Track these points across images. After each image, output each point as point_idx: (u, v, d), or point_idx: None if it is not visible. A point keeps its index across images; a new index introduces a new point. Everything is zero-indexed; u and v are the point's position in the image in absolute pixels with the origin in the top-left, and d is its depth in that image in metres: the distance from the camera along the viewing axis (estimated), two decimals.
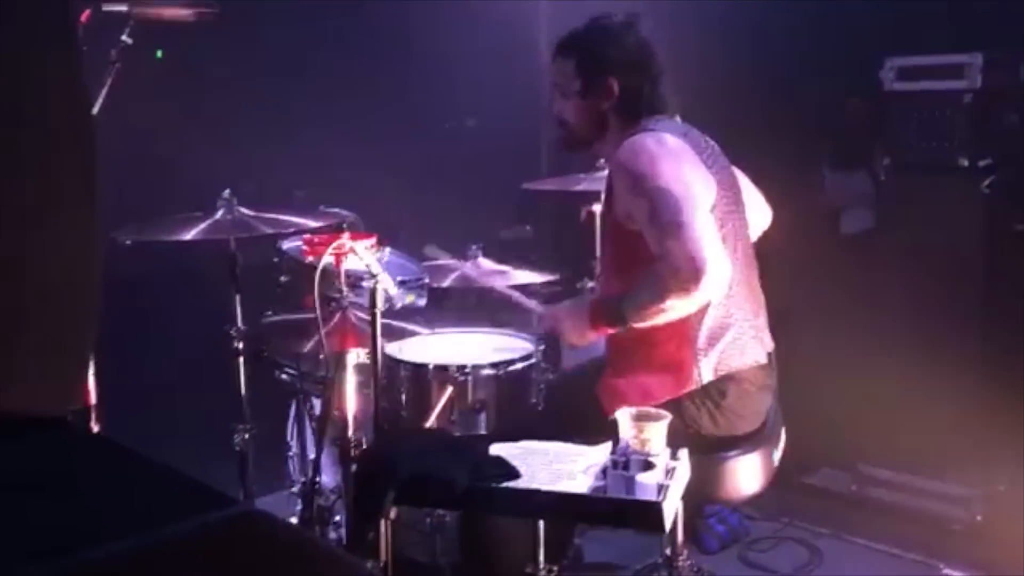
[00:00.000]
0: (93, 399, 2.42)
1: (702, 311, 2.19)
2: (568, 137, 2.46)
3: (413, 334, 2.75)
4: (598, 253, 3.45)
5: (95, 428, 2.44)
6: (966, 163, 3.31)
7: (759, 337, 2.33)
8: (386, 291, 2.29)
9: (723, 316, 2.24)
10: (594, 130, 2.39)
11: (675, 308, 2.10)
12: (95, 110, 2.28)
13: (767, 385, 2.33)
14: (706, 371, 2.23)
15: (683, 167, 2.18)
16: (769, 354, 2.35)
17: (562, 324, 2.36)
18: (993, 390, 3.21)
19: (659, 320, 2.14)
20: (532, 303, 2.68)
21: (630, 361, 2.29)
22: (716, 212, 2.20)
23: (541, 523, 2.01)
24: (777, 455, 2.36)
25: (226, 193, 2.74)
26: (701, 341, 2.23)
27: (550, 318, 2.42)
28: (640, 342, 2.24)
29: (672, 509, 1.79)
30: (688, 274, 2.02)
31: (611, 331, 2.26)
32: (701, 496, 2.39)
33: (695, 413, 2.23)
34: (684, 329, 2.21)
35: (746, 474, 2.28)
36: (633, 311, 2.16)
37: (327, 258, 2.25)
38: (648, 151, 2.20)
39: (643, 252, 2.15)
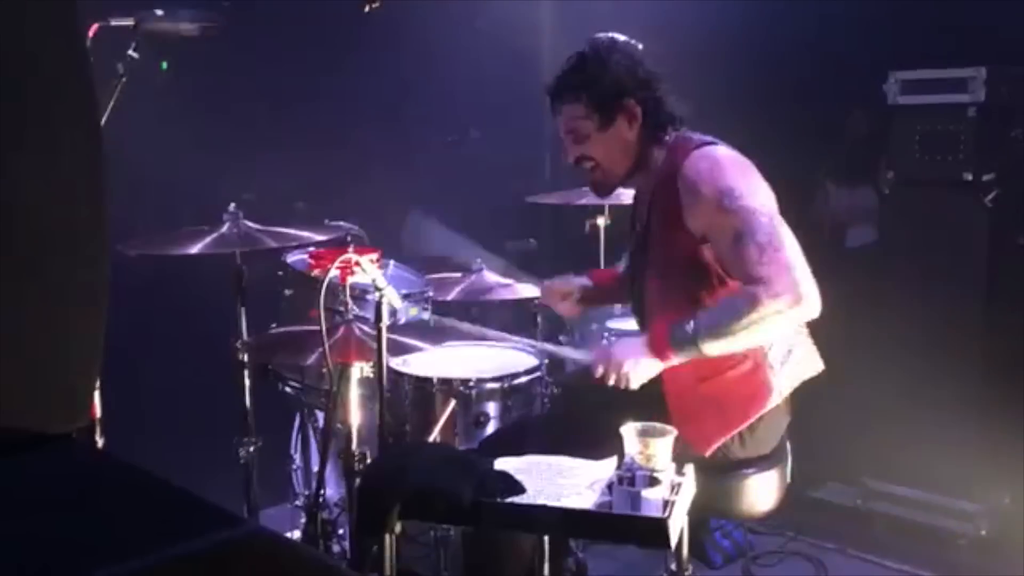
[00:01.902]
0: (98, 412, 2.42)
1: None
2: (601, 178, 2.36)
3: (416, 348, 2.75)
4: (603, 265, 3.46)
5: (100, 441, 2.44)
6: (970, 177, 3.31)
7: (813, 344, 2.33)
8: (391, 305, 2.30)
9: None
10: (626, 159, 2.32)
11: (770, 332, 2.04)
12: (102, 122, 2.28)
13: (788, 406, 2.33)
14: (786, 385, 2.22)
15: (761, 181, 2.15)
16: None
17: (614, 364, 2.15)
18: (997, 404, 3.20)
19: (741, 346, 2.07)
20: (580, 353, 2.46)
21: (705, 382, 2.18)
22: None
23: (546, 538, 2.00)
24: (788, 470, 2.36)
25: (232, 207, 2.75)
26: (776, 355, 2.19)
27: (602, 360, 2.19)
28: (713, 369, 2.17)
29: (678, 525, 1.79)
30: (791, 299, 1.98)
31: (679, 360, 2.12)
32: (718, 512, 2.37)
33: (727, 440, 2.21)
34: (757, 349, 2.17)
35: (765, 491, 2.28)
36: (712, 336, 2.04)
37: (332, 272, 2.25)
38: (726, 165, 2.14)
39: (711, 279, 2.16)
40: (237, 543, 0.73)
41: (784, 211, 2.13)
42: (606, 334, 3.29)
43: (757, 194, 2.11)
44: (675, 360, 2.12)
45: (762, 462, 2.27)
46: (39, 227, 0.86)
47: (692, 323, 2.07)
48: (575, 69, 2.32)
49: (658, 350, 2.12)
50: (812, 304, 2.01)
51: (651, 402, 2.15)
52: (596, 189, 2.43)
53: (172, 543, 0.71)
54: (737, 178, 2.12)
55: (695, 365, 2.15)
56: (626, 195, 2.91)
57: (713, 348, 2.06)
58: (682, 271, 2.21)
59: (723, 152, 2.20)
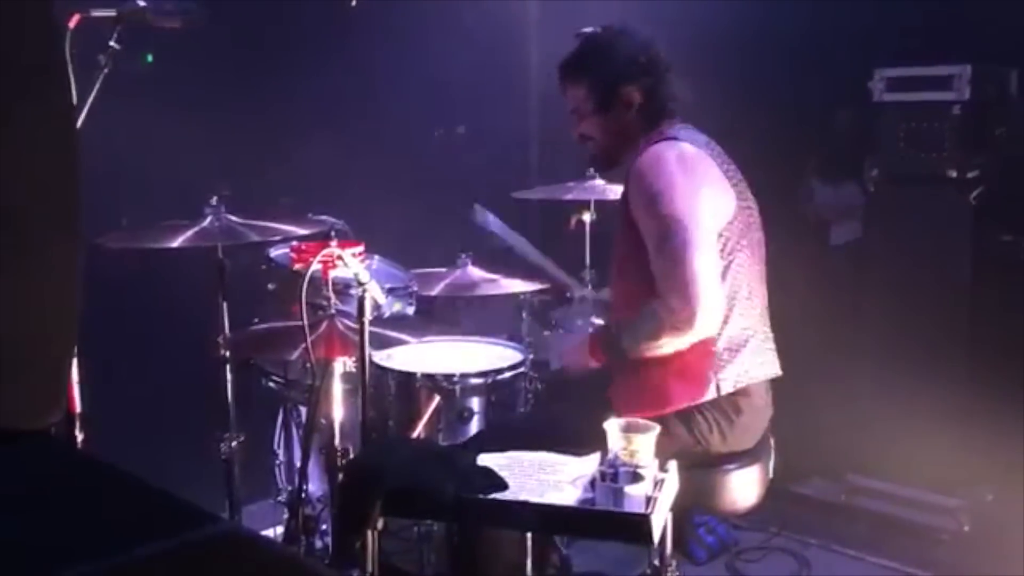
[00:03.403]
0: (78, 407, 2.40)
1: (723, 323, 2.18)
2: (598, 154, 2.44)
3: (399, 342, 2.74)
4: (588, 260, 3.46)
5: (80, 436, 2.42)
6: (954, 174, 3.32)
7: (773, 349, 2.34)
8: (374, 299, 2.28)
9: (743, 327, 2.23)
10: (621, 142, 2.36)
11: (669, 346, 2.13)
12: (81, 117, 2.26)
13: (770, 399, 2.34)
14: (726, 383, 2.21)
15: (699, 187, 2.15)
16: None
17: (563, 356, 2.42)
18: (981, 401, 3.21)
19: (655, 354, 2.15)
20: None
21: (647, 365, 2.22)
22: (734, 227, 2.19)
23: (529, 534, 2.00)
24: (771, 466, 2.37)
25: (214, 200, 2.73)
26: (721, 352, 2.20)
27: (548, 352, 2.50)
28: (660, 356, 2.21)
29: (660, 521, 1.78)
30: (682, 316, 2.05)
31: (609, 361, 2.25)
32: (701, 508, 2.37)
33: (706, 430, 2.21)
34: (706, 341, 2.18)
35: (747, 486, 2.28)
36: (631, 346, 2.18)
37: (315, 266, 2.24)
38: (667, 167, 2.16)
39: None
40: (211, 542, 0.72)
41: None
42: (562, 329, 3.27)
43: (684, 204, 2.11)
44: (608, 360, 2.26)
45: (744, 457, 2.27)
46: (9, 222, 0.84)
47: (619, 331, 2.22)
48: (580, 52, 2.38)
49: (593, 351, 2.28)
50: (703, 325, 2.08)
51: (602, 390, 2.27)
52: (593, 164, 2.59)
53: (145, 542, 0.70)
54: (673, 182, 2.14)
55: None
56: (612, 191, 2.91)
57: (635, 355, 2.18)
58: (636, 268, 2.21)
59: (675, 151, 2.20)
